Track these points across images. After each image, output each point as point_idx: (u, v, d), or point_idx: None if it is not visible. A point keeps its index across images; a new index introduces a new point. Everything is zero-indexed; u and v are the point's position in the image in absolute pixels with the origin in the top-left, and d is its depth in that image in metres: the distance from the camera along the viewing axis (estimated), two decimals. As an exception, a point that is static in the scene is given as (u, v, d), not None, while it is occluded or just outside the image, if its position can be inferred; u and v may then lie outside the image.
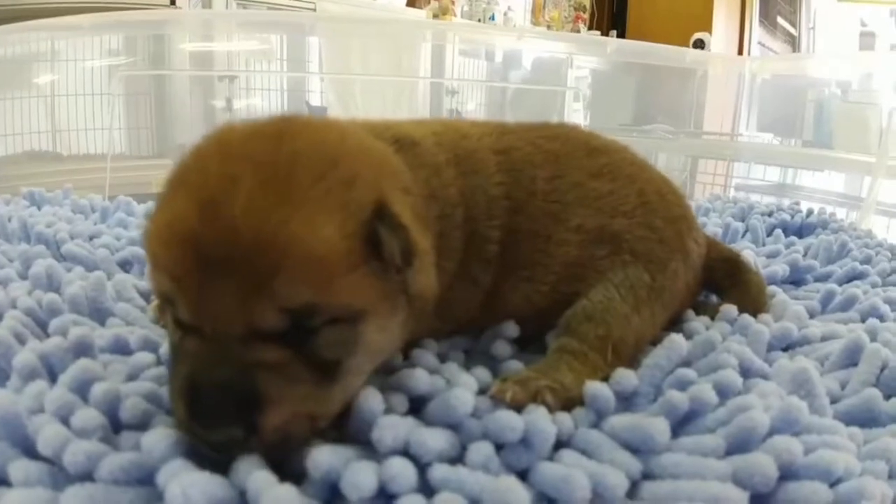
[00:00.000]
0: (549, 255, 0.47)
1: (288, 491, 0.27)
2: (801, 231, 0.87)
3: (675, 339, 0.44)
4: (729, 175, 1.91)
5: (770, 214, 0.90)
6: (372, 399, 0.33)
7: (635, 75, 1.83)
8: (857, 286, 0.63)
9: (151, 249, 0.33)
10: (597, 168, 0.51)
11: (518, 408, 0.36)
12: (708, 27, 2.18)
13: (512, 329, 0.47)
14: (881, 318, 0.57)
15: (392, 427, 0.32)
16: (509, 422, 0.34)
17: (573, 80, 1.87)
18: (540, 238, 0.47)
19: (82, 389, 0.37)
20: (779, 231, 0.83)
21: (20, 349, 0.43)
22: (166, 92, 1.55)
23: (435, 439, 0.32)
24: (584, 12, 2.54)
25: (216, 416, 0.29)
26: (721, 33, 2.35)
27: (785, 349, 0.51)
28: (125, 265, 0.66)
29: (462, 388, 0.35)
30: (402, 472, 0.29)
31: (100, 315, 0.52)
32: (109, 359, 0.44)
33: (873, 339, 0.49)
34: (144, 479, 0.31)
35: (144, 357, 0.43)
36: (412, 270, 0.33)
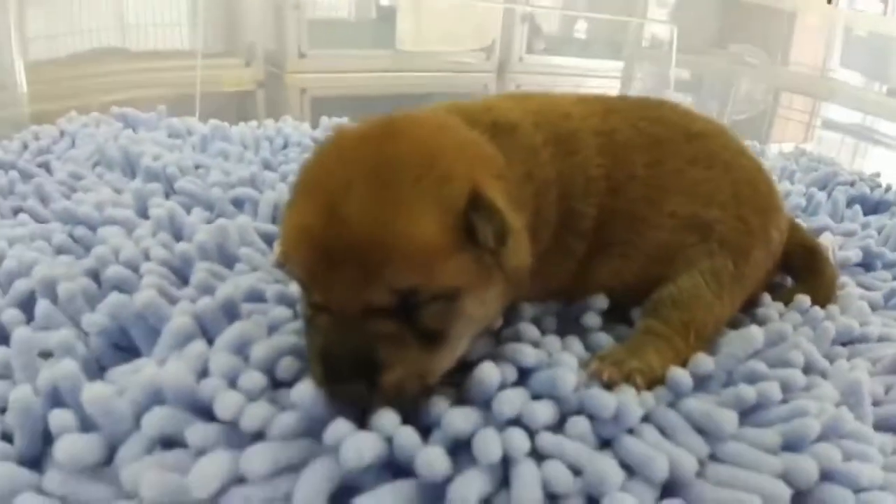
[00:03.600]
0: (642, 235, 0.51)
1: (437, 452, 0.34)
2: (878, 207, 0.86)
3: (753, 331, 0.48)
4: (814, 114, 1.79)
5: (852, 184, 0.89)
6: (491, 373, 0.40)
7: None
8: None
9: (288, 249, 0.41)
10: (694, 154, 0.54)
11: (610, 385, 0.42)
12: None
13: (602, 302, 0.52)
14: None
15: (510, 401, 0.38)
16: (604, 400, 0.40)
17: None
18: (636, 220, 0.51)
19: (241, 351, 0.43)
20: (857, 207, 0.83)
21: (168, 309, 0.46)
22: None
23: (542, 411, 0.39)
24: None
25: (345, 376, 0.37)
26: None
27: (844, 344, 0.55)
28: (236, 204, 0.69)
29: (566, 369, 0.41)
30: (521, 443, 0.36)
31: (226, 260, 0.59)
32: (250, 308, 0.49)
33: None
34: (308, 433, 0.37)
35: (282, 312, 0.49)
36: (506, 249, 0.39)
